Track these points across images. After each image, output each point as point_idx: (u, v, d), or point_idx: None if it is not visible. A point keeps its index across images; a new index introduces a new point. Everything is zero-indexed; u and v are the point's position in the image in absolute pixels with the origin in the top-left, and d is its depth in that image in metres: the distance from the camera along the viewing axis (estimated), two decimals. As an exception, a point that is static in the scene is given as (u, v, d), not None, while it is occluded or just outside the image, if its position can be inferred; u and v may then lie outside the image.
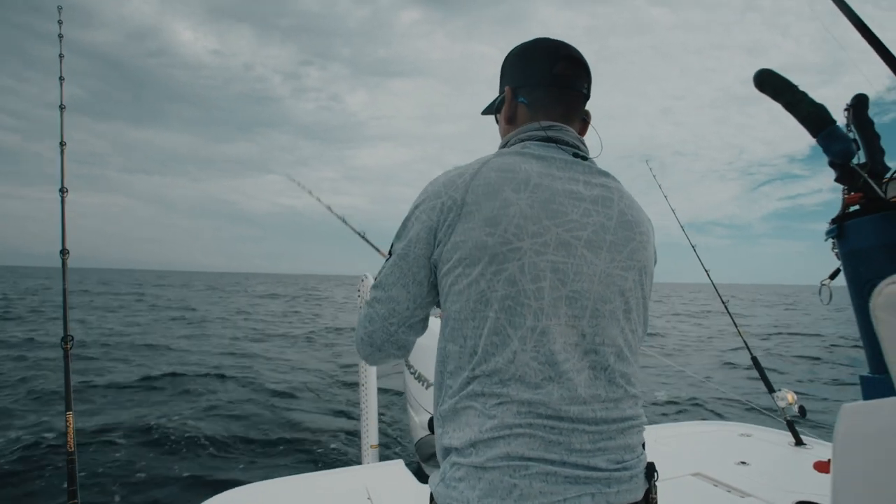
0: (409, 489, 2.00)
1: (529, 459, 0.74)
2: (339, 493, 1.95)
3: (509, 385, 0.76)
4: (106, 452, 4.77)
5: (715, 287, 3.21)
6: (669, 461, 2.33)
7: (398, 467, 2.24)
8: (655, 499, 0.84)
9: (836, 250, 0.84)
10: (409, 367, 2.99)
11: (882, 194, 0.77)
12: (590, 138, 1.00)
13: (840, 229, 0.81)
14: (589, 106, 0.99)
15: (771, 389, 2.67)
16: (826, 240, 0.84)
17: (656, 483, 0.84)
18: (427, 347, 3.03)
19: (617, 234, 0.84)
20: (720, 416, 6.30)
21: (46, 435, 5.01)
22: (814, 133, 0.81)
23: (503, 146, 0.95)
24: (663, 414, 6.57)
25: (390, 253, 0.89)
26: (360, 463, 2.59)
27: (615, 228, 0.84)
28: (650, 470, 0.83)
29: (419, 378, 2.84)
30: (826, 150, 0.80)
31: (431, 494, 0.82)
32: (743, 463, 2.30)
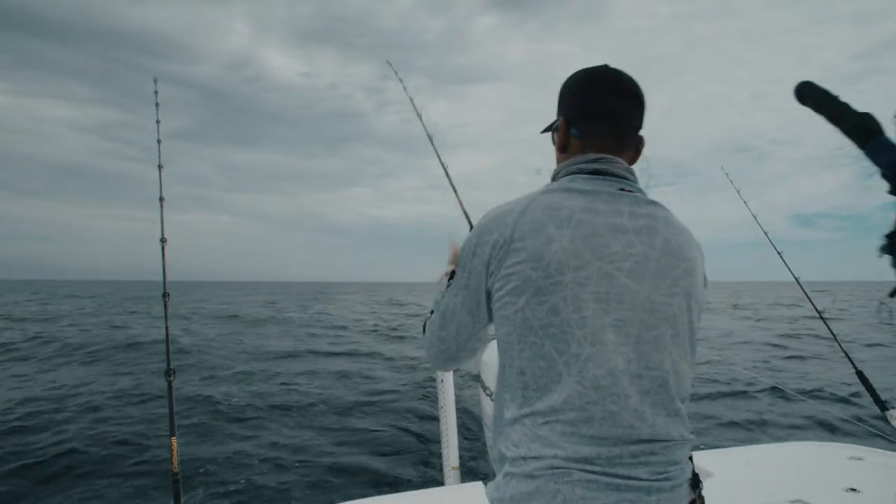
0: None
1: (572, 468, 0.79)
2: None
3: (556, 407, 0.81)
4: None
5: (805, 292, 2.96)
6: (766, 486, 2.15)
7: (480, 488, 2.19)
8: None
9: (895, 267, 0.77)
10: (485, 388, 2.99)
11: None
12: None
13: (892, 245, 0.75)
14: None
15: (883, 408, 2.39)
16: (880, 256, 0.77)
17: (702, 493, 0.86)
18: (499, 367, 2.97)
19: (660, 262, 0.87)
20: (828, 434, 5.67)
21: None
22: (860, 144, 0.76)
23: (554, 177, 1.00)
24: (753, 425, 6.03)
25: (451, 276, 0.99)
26: (441, 484, 2.62)
27: (658, 257, 0.87)
28: (695, 480, 0.86)
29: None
30: (875, 162, 0.74)
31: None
32: (853, 490, 2.07)
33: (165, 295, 1.80)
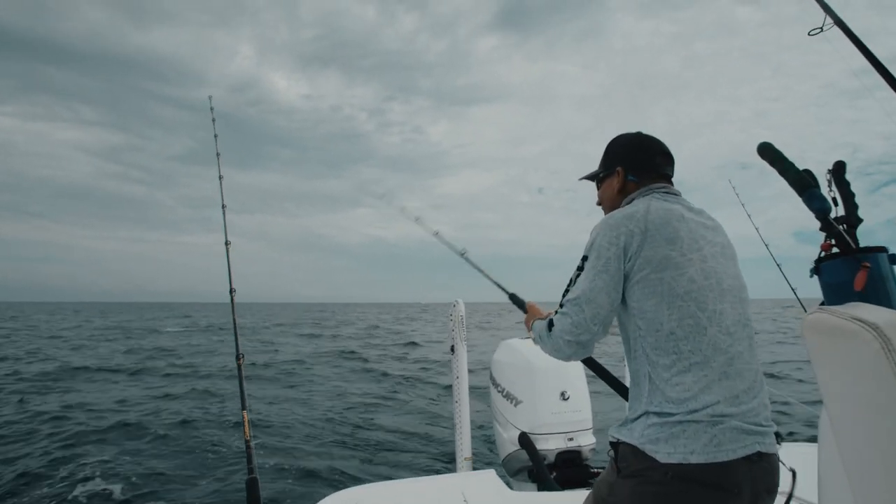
0: (501, 494, 2.15)
1: (725, 417, 1.03)
2: (438, 497, 2.12)
3: (707, 354, 1.06)
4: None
5: (802, 304, 3.20)
6: None
7: (490, 476, 2.34)
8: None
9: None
10: (496, 385, 3.05)
11: (851, 243, 0.99)
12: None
13: (819, 269, 1.03)
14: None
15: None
16: (811, 277, 1.06)
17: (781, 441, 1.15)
18: (512, 366, 3.17)
19: (730, 248, 1.24)
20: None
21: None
22: (799, 193, 1.08)
23: (629, 201, 1.29)
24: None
25: (578, 271, 1.20)
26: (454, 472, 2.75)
27: (727, 245, 1.23)
28: (777, 434, 1.14)
29: (507, 396, 2.92)
30: (809, 207, 1.06)
31: (621, 445, 1.10)
32: None
33: (232, 290, 2.05)
